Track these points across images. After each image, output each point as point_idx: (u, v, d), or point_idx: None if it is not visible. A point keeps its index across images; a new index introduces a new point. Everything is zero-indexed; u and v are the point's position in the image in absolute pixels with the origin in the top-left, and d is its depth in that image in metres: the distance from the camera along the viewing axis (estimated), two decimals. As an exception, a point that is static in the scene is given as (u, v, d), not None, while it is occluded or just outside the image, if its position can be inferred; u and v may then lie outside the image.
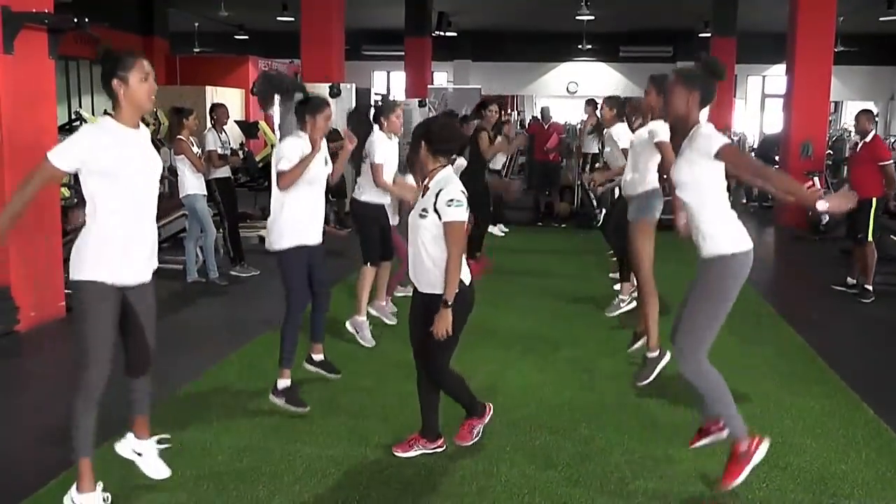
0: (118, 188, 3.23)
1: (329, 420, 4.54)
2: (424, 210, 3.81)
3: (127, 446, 3.64)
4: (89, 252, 3.23)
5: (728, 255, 3.56)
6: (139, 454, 3.64)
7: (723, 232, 3.58)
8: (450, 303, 3.75)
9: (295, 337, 4.73)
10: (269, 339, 5.78)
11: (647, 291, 5.26)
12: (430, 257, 3.81)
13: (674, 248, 5.41)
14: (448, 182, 3.82)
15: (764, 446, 3.70)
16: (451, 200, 3.74)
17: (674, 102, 3.58)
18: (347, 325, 5.99)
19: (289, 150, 4.68)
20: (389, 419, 4.53)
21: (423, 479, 3.86)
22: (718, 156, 3.40)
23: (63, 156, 3.21)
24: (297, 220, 4.69)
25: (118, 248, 3.25)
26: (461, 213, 3.75)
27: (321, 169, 4.83)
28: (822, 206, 3.19)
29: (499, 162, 11.20)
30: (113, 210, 3.24)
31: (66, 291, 6.75)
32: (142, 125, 3.44)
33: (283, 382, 4.64)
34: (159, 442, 3.68)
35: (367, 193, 6.05)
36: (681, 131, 3.61)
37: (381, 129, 6.16)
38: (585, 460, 4.08)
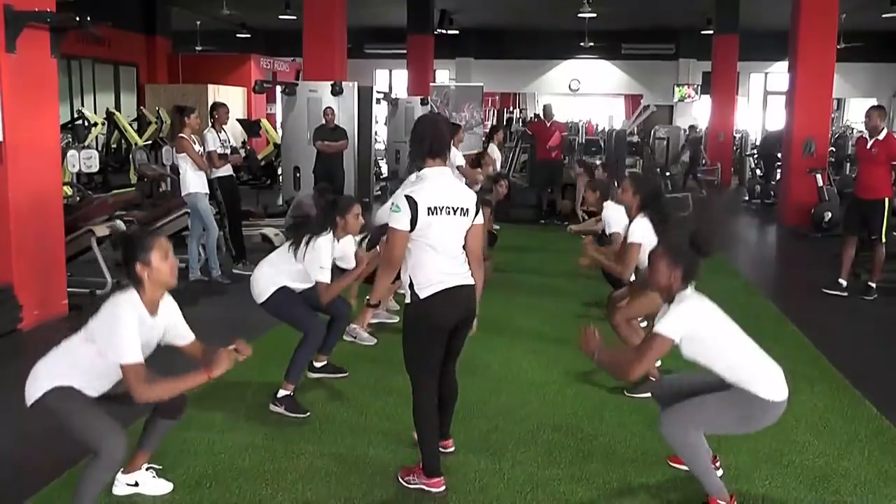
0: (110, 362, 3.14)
1: (332, 418, 4.54)
2: None
3: (122, 484, 3.60)
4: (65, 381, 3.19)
5: (764, 399, 3.40)
6: (135, 484, 3.62)
7: (751, 379, 3.41)
8: (372, 303, 4.00)
9: (306, 361, 4.76)
10: (273, 337, 5.79)
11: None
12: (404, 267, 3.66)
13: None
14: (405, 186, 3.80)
15: None
16: (392, 204, 3.58)
17: (656, 275, 3.52)
18: (344, 336, 5.85)
19: (325, 255, 4.62)
20: (392, 417, 4.53)
21: (425, 477, 3.85)
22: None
23: (135, 348, 3.09)
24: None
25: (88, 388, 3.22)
26: (394, 219, 3.50)
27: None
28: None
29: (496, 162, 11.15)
30: (93, 373, 3.21)
31: (69, 290, 6.77)
32: (160, 308, 3.31)
33: (284, 392, 4.63)
34: (148, 469, 3.67)
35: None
36: (665, 299, 3.55)
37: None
38: (589, 458, 4.08)
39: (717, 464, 3.88)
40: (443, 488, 3.69)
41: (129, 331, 3.08)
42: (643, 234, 5.05)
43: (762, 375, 3.43)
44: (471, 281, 3.66)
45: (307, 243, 4.63)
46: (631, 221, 5.20)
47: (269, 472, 3.89)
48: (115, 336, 3.06)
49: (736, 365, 3.43)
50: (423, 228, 3.50)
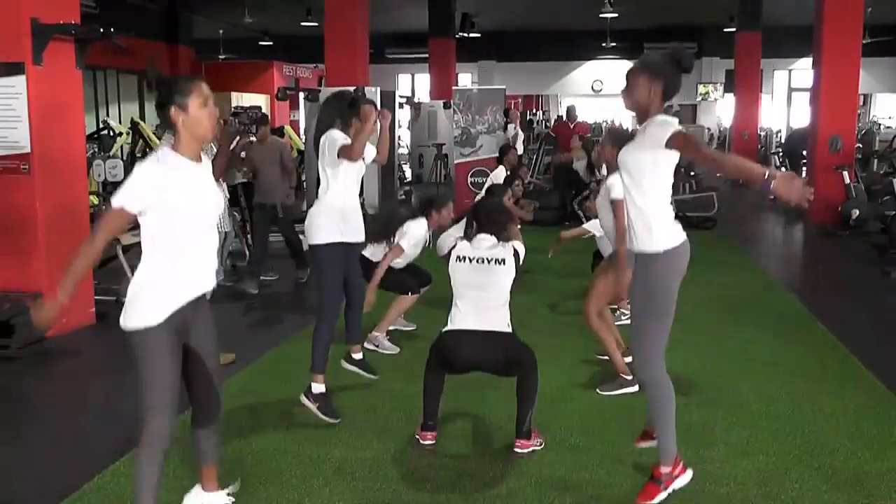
0: (176, 226, 2.96)
1: (358, 422, 4.55)
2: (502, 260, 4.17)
3: (195, 500, 3.44)
4: (143, 297, 2.96)
5: (668, 251, 3.43)
6: None
7: (661, 228, 3.44)
8: None
9: (328, 338, 4.67)
10: (297, 342, 5.82)
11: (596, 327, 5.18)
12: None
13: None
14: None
15: (687, 476, 3.64)
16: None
17: (636, 91, 3.45)
18: (365, 344, 5.80)
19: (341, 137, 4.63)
20: (419, 421, 4.53)
21: (453, 481, 3.85)
22: (669, 143, 3.27)
23: (128, 197, 2.88)
24: (336, 214, 4.65)
25: (171, 289, 2.99)
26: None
27: (361, 166, 4.78)
28: (769, 186, 2.98)
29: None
30: (169, 248, 2.98)
31: (96, 298, 6.84)
32: (204, 157, 3.13)
33: (318, 387, 4.58)
34: (228, 495, 3.50)
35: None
36: (641, 120, 3.50)
37: (427, 220, 5.90)
38: (616, 462, 4.05)
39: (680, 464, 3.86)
40: (429, 441, 4.23)
41: (135, 177, 2.88)
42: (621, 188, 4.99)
43: (670, 223, 3.46)
44: None
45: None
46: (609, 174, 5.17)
47: (295, 476, 3.90)
48: (126, 184, 2.89)
49: (655, 199, 3.43)
50: None
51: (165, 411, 3.00)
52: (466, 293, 4.17)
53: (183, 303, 3.01)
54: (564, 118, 15.22)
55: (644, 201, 3.44)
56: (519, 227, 5.45)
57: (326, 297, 4.68)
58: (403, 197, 15.22)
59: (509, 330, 4.16)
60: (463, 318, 4.14)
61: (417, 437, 4.26)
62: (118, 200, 2.89)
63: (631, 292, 3.66)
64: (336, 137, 4.61)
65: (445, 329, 4.19)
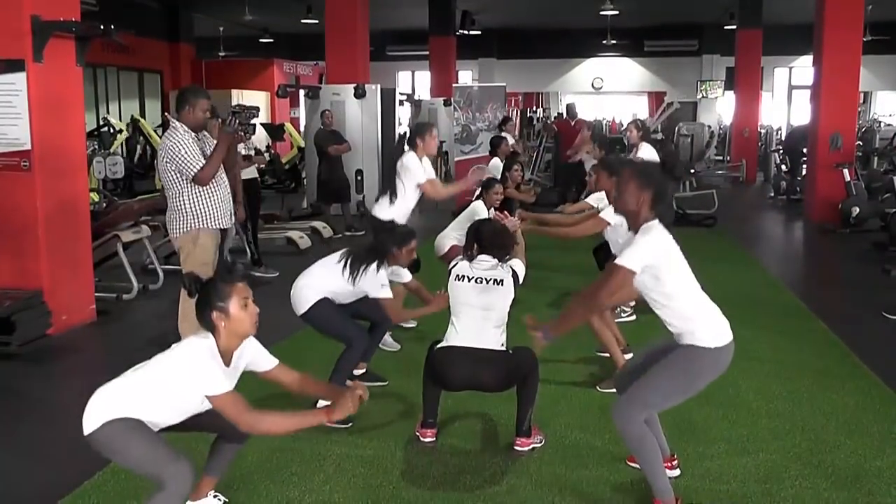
0: (176, 397, 2.97)
1: (358, 420, 4.54)
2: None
3: None
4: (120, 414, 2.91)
5: (708, 349, 3.30)
6: None
7: (698, 324, 3.31)
8: None
9: (350, 370, 4.70)
10: (298, 340, 5.82)
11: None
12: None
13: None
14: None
15: None
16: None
17: (625, 197, 3.33)
18: None
19: (382, 274, 4.66)
20: (419, 418, 4.53)
21: (453, 478, 3.86)
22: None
23: (222, 378, 2.92)
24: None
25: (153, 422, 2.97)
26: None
27: None
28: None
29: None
30: (165, 406, 2.98)
31: (97, 295, 6.85)
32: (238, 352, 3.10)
33: (325, 403, 4.59)
34: (215, 497, 3.53)
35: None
36: (631, 226, 3.40)
37: (414, 151, 6.11)
38: (616, 459, 4.06)
39: (675, 462, 3.86)
40: (429, 438, 4.26)
41: (211, 367, 2.89)
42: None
43: (708, 319, 3.33)
44: None
45: (363, 271, 4.60)
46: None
47: (296, 474, 3.91)
48: (199, 373, 2.87)
49: (685, 306, 3.30)
50: None
51: (177, 458, 2.88)
52: (463, 311, 4.16)
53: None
54: (565, 116, 15.17)
55: (672, 304, 3.32)
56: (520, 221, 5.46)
57: (349, 335, 4.67)
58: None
59: (503, 348, 4.15)
60: (457, 335, 4.14)
61: (417, 434, 4.28)
62: (225, 386, 2.91)
63: (657, 351, 3.49)
64: (377, 276, 4.65)
65: (439, 346, 4.18)
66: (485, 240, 4.30)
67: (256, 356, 3.17)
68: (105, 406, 2.93)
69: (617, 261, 3.28)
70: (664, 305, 3.33)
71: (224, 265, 5.92)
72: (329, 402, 3.07)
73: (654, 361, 3.41)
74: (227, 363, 3.01)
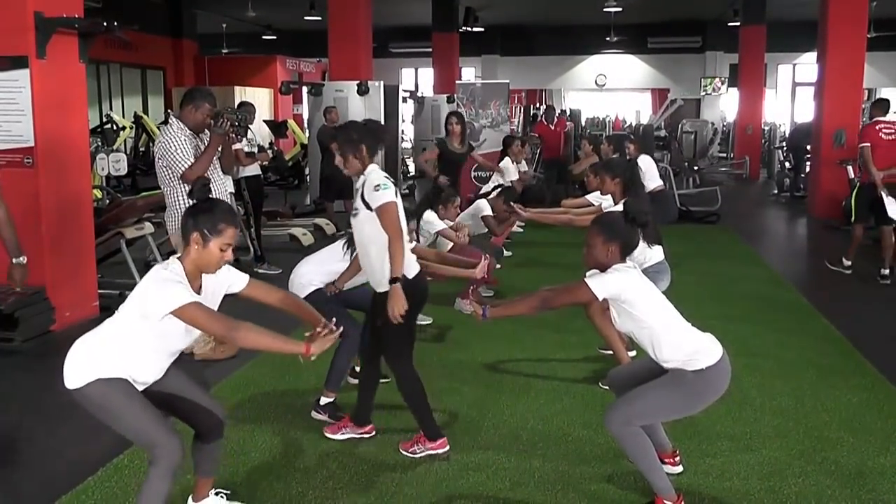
0: (156, 334, 2.99)
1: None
2: (356, 209, 3.92)
3: None
4: (105, 361, 3.00)
5: (699, 370, 3.31)
6: None
7: (683, 354, 3.33)
8: (398, 279, 3.77)
9: (346, 367, 4.67)
10: (299, 336, 5.80)
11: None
12: (377, 254, 3.86)
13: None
14: (369, 173, 3.90)
15: None
16: (377, 185, 3.79)
17: (594, 251, 3.45)
18: None
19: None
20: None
21: (455, 474, 3.86)
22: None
23: (185, 291, 2.90)
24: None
25: (141, 374, 3.05)
26: (388, 195, 3.78)
27: None
28: None
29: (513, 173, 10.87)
30: (147, 348, 3.03)
31: (100, 291, 6.85)
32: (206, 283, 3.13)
33: (327, 399, 4.56)
34: (217, 494, 3.51)
35: None
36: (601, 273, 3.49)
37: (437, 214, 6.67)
38: (619, 456, 4.05)
39: (678, 458, 3.85)
40: (447, 447, 4.05)
41: (173, 280, 2.89)
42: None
43: (691, 346, 3.34)
44: None
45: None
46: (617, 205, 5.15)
47: (299, 470, 3.91)
48: (162, 289, 2.85)
49: (664, 339, 3.33)
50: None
51: (168, 431, 2.96)
52: None
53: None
54: (543, 120, 15.28)
55: (657, 339, 3.37)
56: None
57: (346, 328, 4.67)
58: (407, 191, 15.23)
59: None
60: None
61: (429, 451, 4.06)
62: (187, 297, 2.87)
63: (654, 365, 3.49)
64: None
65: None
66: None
67: (230, 278, 3.24)
68: (90, 360, 2.99)
69: (586, 279, 3.38)
70: (644, 341, 3.41)
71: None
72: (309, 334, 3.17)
73: (652, 373, 3.46)
74: (196, 289, 3.02)
